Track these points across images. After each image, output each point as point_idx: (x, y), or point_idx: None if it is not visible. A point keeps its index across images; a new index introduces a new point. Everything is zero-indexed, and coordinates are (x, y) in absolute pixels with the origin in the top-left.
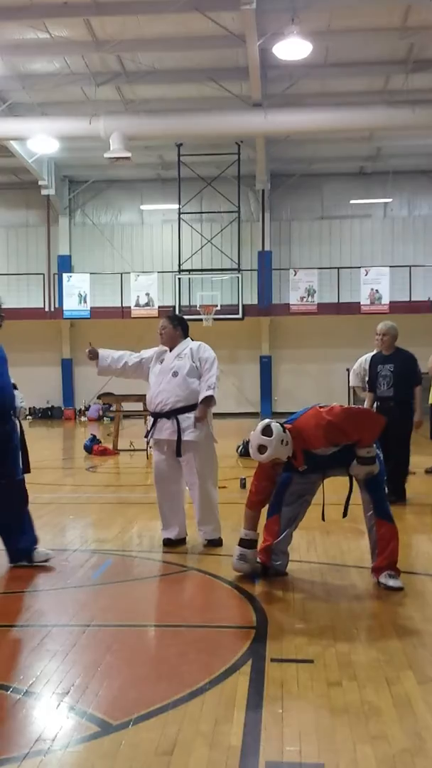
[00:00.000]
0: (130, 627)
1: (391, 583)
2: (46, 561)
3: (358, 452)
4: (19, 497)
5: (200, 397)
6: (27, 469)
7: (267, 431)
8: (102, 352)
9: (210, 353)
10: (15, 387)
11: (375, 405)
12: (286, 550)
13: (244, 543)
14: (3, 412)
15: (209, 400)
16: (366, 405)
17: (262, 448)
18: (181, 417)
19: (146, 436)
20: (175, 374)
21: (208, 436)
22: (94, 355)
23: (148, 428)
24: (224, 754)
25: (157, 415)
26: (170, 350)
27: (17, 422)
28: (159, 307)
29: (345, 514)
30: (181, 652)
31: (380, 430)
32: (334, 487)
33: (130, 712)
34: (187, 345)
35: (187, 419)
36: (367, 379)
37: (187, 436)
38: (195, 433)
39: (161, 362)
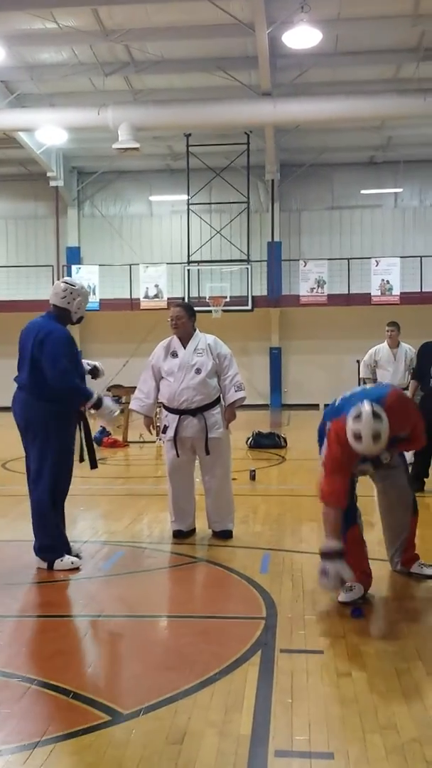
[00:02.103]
0: (140, 617)
1: (426, 570)
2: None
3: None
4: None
5: (230, 399)
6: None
7: (378, 416)
8: (149, 409)
9: (227, 349)
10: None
11: (419, 397)
12: None
13: (326, 556)
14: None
15: (240, 401)
16: (410, 394)
17: (377, 437)
18: (206, 414)
19: (164, 432)
20: (198, 371)
21: (227, 431)
22: (151, 421)
23: (166, 424)
24: (234, 743)
25: (181, 413)
26: (182, 342)
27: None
28: (168, 298)
29: None
30: (191, 642)
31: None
32: None
33: (141, 702)
34: (202, 338)
35: (212, 416)
36: (412, 367)
37: (213, 434)
38: (220, 430)
39: (173, 355)
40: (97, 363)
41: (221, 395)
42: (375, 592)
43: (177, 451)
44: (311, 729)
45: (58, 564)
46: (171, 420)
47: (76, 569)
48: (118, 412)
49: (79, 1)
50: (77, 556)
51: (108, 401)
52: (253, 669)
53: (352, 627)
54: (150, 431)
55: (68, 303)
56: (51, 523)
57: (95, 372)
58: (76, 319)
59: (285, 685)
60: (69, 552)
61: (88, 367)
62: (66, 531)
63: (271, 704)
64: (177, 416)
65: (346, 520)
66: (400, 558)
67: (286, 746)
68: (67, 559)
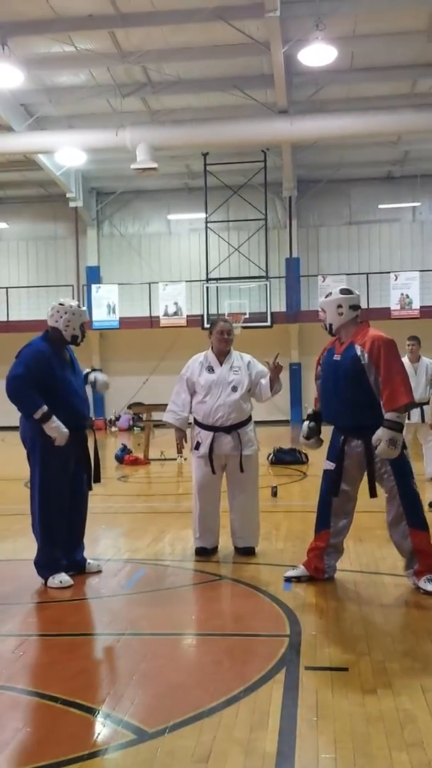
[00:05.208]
0: (164, 636)
1: (428, 586)
2: (98, 572)
3: (386, 415)
4: (86, 508)
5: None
6: (97, 478)
7: (348, 290)
8: (183, 422)
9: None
10: None
11: None
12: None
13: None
14: (83, 422)
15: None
16: (429, 408)
17: (328, 295)
18: (240, 432)
19: (196, 448)
20: (234, 389)
21: (257, 449)
22: (183, 434)
23: (199, 440)
24: (259, 761)
25: (216, 429)
26: (218, 358)
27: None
28: (187, 316)
29: (372, 494)
30: (216, 660)
31: (405, 401)
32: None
33: (166, 720)
34: (237, 357)
35: (246, 434)
36: None
37: (246, 451)
38: (253, 448)
39: (209, 370)
40: (98, 375)
41: (259, 389)
42: (398, 609)
43: (213, 468)
44: (337, 747)
45: (50, 581)
46: (204, 436)
47: (68, 588)
48: (66, 430)
49: (96, 24)
50: (99, 572)
51: (56, 420)
52: (277, 687)
53: (376, 644)
54: (183, 445)
55: (56, 321)
56: (43, 541)
57: (93, 384)
58: (71, 337)
59: (310, 702)
60: (65, 570)
61: (92, 378)
62: (86, 549)
63: (296, 722)
64: (211, 433)
65: (320, 523)
66: (411, 571)
67: (312, 764)
68: (57, 578)
